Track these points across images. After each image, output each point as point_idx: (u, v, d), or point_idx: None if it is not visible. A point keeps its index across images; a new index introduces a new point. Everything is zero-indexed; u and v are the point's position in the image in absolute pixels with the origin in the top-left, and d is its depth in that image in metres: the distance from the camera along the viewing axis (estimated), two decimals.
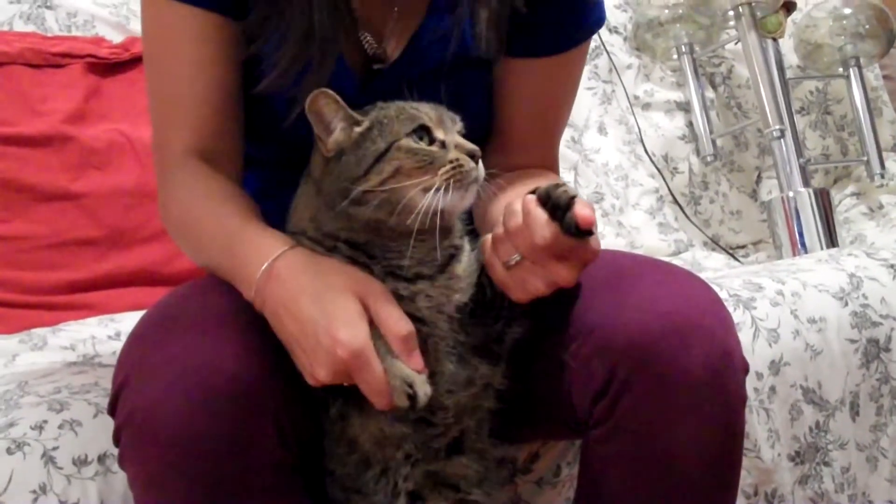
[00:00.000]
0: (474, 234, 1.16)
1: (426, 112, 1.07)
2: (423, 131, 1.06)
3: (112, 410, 1.02)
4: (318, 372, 0.99)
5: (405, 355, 1.00)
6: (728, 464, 1.10)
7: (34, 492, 1.14)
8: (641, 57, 2.57)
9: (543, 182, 1.07)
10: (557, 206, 0.97)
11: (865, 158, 2.45)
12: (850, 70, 2.49)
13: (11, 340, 1.59)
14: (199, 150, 1.19)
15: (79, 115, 1.86)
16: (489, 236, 1.05)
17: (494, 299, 1.07)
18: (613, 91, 2.52)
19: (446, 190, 1.02)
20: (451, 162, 1.04)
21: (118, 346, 1.56)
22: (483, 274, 1.07)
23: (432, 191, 1.02)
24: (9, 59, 1.84)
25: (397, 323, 1.01)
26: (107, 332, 1.63)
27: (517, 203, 1.01)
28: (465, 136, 1.10)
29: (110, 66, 1.93)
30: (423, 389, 1.00)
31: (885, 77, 2.73)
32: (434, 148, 1.05)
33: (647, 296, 1.07)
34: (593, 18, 1.31)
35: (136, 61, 1.94)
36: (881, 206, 2.46)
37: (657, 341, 1.03)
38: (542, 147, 1.36)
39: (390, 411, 1.02)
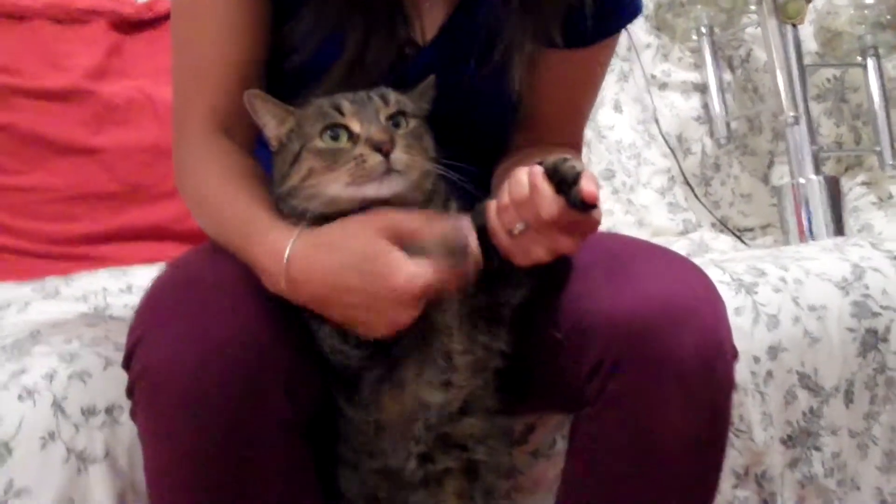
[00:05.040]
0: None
1: (342, 107, 1.09)
2: (336, 128, 1.08)
3: (126, 365, 1.06)
4: (401, 318, 1.05)
5: (440, 227, 1.06)
6: (713, 447, 1.13)
7: (43, 438, 1.18)
8: (661, 36, 2.60)
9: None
10: (564, 180, 1.00)
11: (878, 149, 2.46)
12: (869, 59, 2.49)
13: (25, 288, 1.64)
14: (219, 117, 1.22)
15: (100, 72, 1.91)
16: (493, 203, 1.07)
17: (500, 265, 1.10)
18: (631, 69, 2.55)
19: (356, 183, 1.06)
20: (355, 158, 1.06)
21: (129, 299, 1.61)
22: (487, 239, 1.09)
23: (345, 185, 1.06)
24: (34, 14, 1.89)
25: (422, 226, 1.06)
26: (118, 286, 1.67)
27: (522, 173, 1.03)
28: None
29: (133, 23, 1.98)
30: (472, 242, 1.06)
31: None
32: (341, 145, 1.08)
33: (642, 280, 1.09)
34: (631, 10, 1.32)
35: (158, 20, 1.99)
36: (890, 196, 2.47)
37: (649, 325, 1.06)
38: (567, 129, 1.39)
39: (427, 374, 1.09)
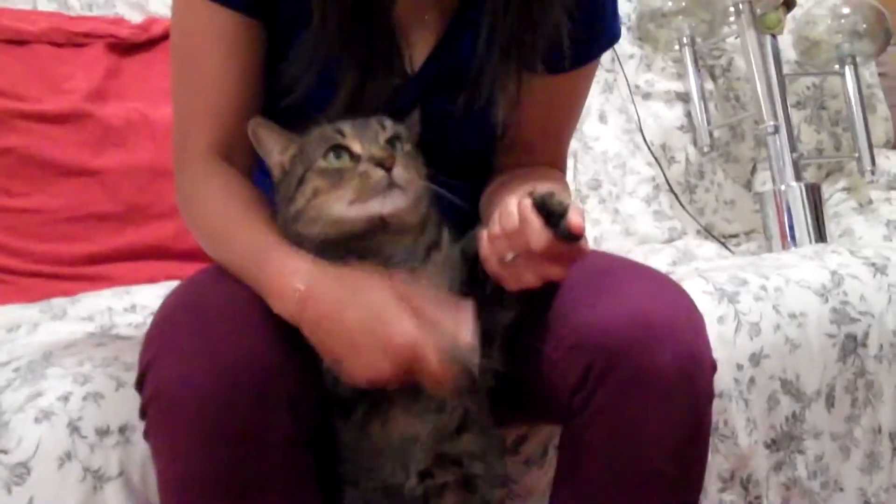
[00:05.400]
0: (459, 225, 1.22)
1: (343, 129, 1.14)
2: (338, 149, 1.13)
3: (139, 387, 1.10)
4: (378, 371, 1.07)
5: (453, 329, 1.08)
6: (694, 456, 1.18)
7: (60, 458, 1.22)
8: (644, 47, 2.62)
9: (546, 185, 1.15)
10: (552, 214, 1.04)
11: (857, 155, 2.51)
12: (846, 68, 2.54)
13: (33, 310, 1.67)
14: (218, 144, 1.25)
15: (99, 94, 1.93)
16: (485, 232, 1.11)
17: (491, 289, 1.14)
18: (615, 80, 2.58)
19: (361, 200, 1.11)
20: (359, 174, 1.11)
21: (133, 318, 1.65)
22: (479, 266, 1.13)
23: (349, 203, 1.11)
24: (33, 38, 1.92)
25: (429, 310, 1.08)
26: (122, 305, 1.71)
27: (512, 205, 1.07)
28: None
29: (129, 46, 2.00)
30: (475, 362, 1.08)
31: (880, 74, 2.78)
32: (345, 164, 1.12)
33: (624, 297, 1.15)
34: (609, 36, 1.37)
35: (153, 42, 2.01)
36: (870, 202, 2.52)
37: (631, 341, 1.11)
38: (550, 150, 1.43)
39: (414, 408, 1.13)
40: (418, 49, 1.30)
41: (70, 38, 1.96)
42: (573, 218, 1.03)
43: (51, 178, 1.88)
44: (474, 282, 1.14)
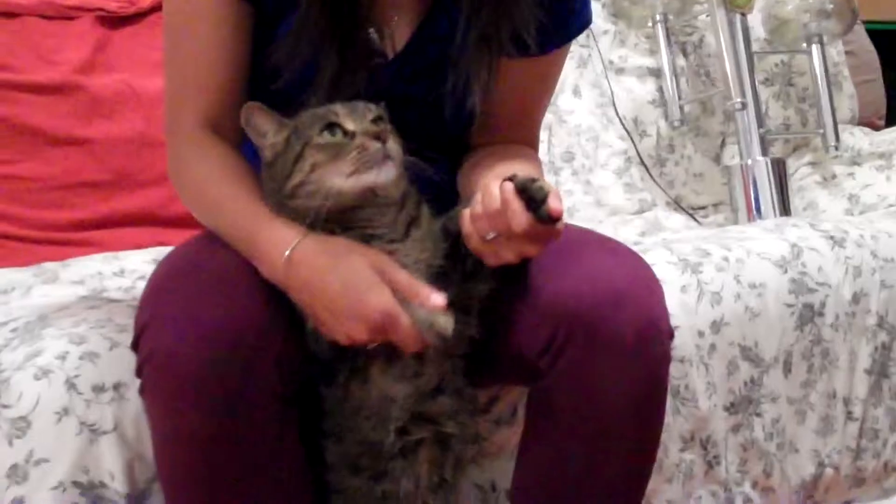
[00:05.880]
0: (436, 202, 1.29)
1: (335, 110, 1.21)
2: (333, 127, 1.19)
3: (135, 347, 1.17)
4: (355, 334, 1.14)
5: (426, 300, 1.15)
6: (651, 415, 1.26)
7: (58, 413, 1.27)
8: (618, 23, 2.66)
9: (520, 163, 1.26)
10: (533, 199, 1.10)
11: (822, 131, 2.56)
12: (813, 46, 2.58)
13: (26, 273, 1.73)
14: (209, 119, 1.30)
15: (88, 66, 1.98)
16: (467, 211, 1.18)
17: (472, 264, 1.21)
18: (590, 55, 2.62)
19: (360, 171, 1.17)
20: (356, 148, 1.18)
21: (122, 282, 1.71)
22: (461, 243, 1.20)
23: (347, 175, 1.17)
24: (25, 11, 1.96)
25: (408, 280, 1.16)
26: (111, 269, 1.76)
27: (494, 187, 1.13)
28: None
29: (118, 19, 2.04)
30: (449, 323, 1.16)
31: (847, 53, 2.83)
32: (339, 140, 1.19)
33: (588, 268, 1.23)
34: (581, 22, 1.41)
35: (141, 15, 2.05)
36: (834, 176, 2.58)
37: (593, 308, 1.20)
38: (523, 129, 1.48)
39: (392, 371, 1.20)
40: (398, 33, 1.35)
41: (60, 11, 2.00)
42: (553, 203, 1.10)
43: (42, 146, 1.93)
44: (455, 257, 1.21)
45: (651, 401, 1.25)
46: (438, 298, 1.16)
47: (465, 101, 1.34)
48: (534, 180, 1.11)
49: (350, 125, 1.19)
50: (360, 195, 1.19)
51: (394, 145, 1.20)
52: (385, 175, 1.19)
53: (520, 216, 1.10)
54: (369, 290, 1.14)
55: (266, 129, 1.23)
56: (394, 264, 1.18)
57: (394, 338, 1.16)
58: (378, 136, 1.18)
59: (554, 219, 1.10)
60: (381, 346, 1.19)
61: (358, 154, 1.17)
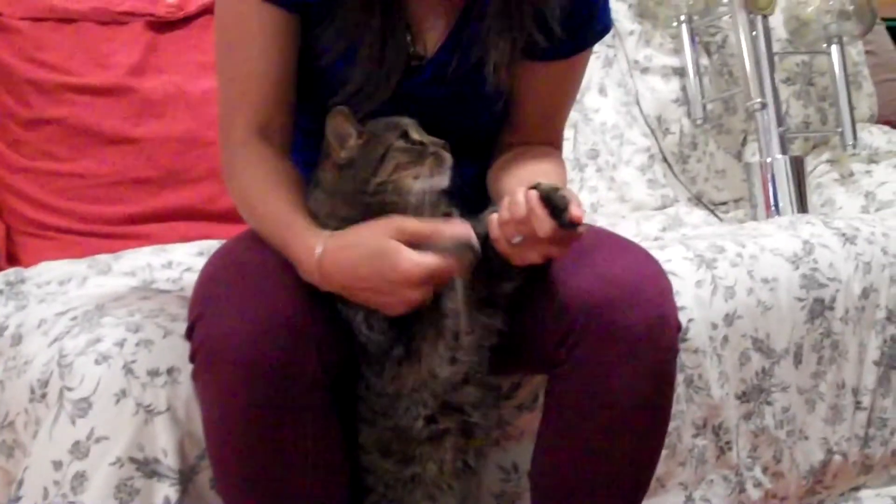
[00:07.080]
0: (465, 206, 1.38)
1: (405, 121, 1.33)
2: (405, 135, 1.31)
3: (189, 336, 1.28)
4: (410, 297, 1.23)
5: (450, 233, 1.25)
6: (659, 405, 1.36)
7: (116, 395, 1.36)
8: (643, 24, 2.70)
9: (544, 167, 1.37)
10: (556, 206, 1.20)
11: (840, 130, 2.61)
12: (833, 47, 2.62)
13: (81, 265, 1.82)
14: (259, 126, 1.38)
15: (139, 69, 2.06)
16: (495, 216, 1.27)
17: (500, 264, 1.31)
18: (615, 55, 2.67)
19: (432, 174, 1.29)
20: (432, 154, 1.30)
21: (171, 273, 1.80)
22: (489, 245, 1.29)
23: (422, 177, 1.29)
24: (80, 17, 2.04)
25: (424, 226, 1.25)
26: (160, 261, 1.85)
27: (520, 194, 1.23)
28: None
29: (166, 23, 2.12)
30: (473, 240, 1.25)
31: (867, 52, 2.88)
32: (416, 146, 1.31)
33: (601, 266, 1.32)
34: (601, 26, 1.50)
35: (189, 19, 2.13)
36: (851, 174, 2.62)
37: (605, 303, 1.29)
38: (548, 129, 1.56)
39: (438, 350, 1.30)
40: (432, 35, 1.44)
41: (113, 16, 2.08)
42: (574, 210, 1.20)
43: (95, 145, 2.02)
44: (484, 258, 1.30)
45: (659, 391, 1.34)
46: (457, 225, 1.26)
47: (494, 101, 1.44)
48: (556, 189, 1.21)
49: (416, 135, 1.31)
50: (421, 195, 1.30)
51: (450, 155, 1.32)
52: (445, 181, 1.31)
53: (544, 222, 1.20)
54: (396, 256, 1.22)
55: (350, 131, 1.33)
56: (403, 219, 1.27)
57: (439, 280, 1.25)
58: (445, 148, 1.30)
59: (575, 224, 1.20)
60: (430, 319, 1.28)
61: (434, 160, 1.29)
